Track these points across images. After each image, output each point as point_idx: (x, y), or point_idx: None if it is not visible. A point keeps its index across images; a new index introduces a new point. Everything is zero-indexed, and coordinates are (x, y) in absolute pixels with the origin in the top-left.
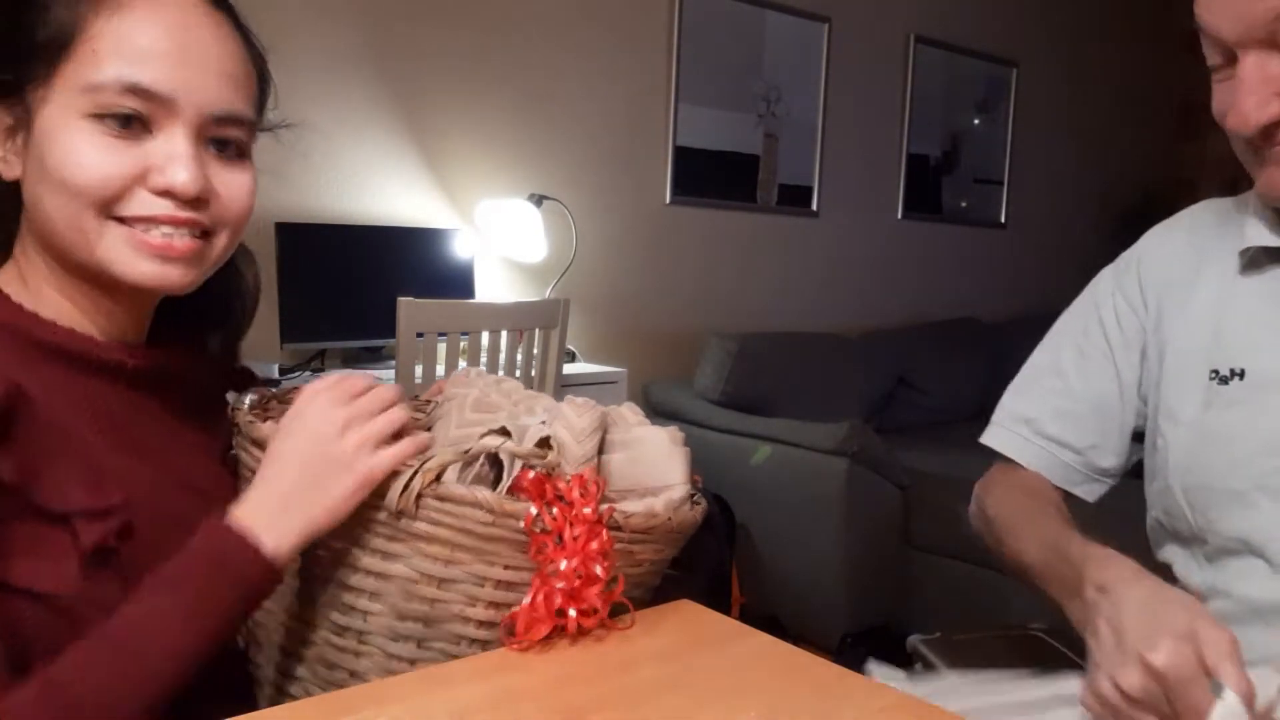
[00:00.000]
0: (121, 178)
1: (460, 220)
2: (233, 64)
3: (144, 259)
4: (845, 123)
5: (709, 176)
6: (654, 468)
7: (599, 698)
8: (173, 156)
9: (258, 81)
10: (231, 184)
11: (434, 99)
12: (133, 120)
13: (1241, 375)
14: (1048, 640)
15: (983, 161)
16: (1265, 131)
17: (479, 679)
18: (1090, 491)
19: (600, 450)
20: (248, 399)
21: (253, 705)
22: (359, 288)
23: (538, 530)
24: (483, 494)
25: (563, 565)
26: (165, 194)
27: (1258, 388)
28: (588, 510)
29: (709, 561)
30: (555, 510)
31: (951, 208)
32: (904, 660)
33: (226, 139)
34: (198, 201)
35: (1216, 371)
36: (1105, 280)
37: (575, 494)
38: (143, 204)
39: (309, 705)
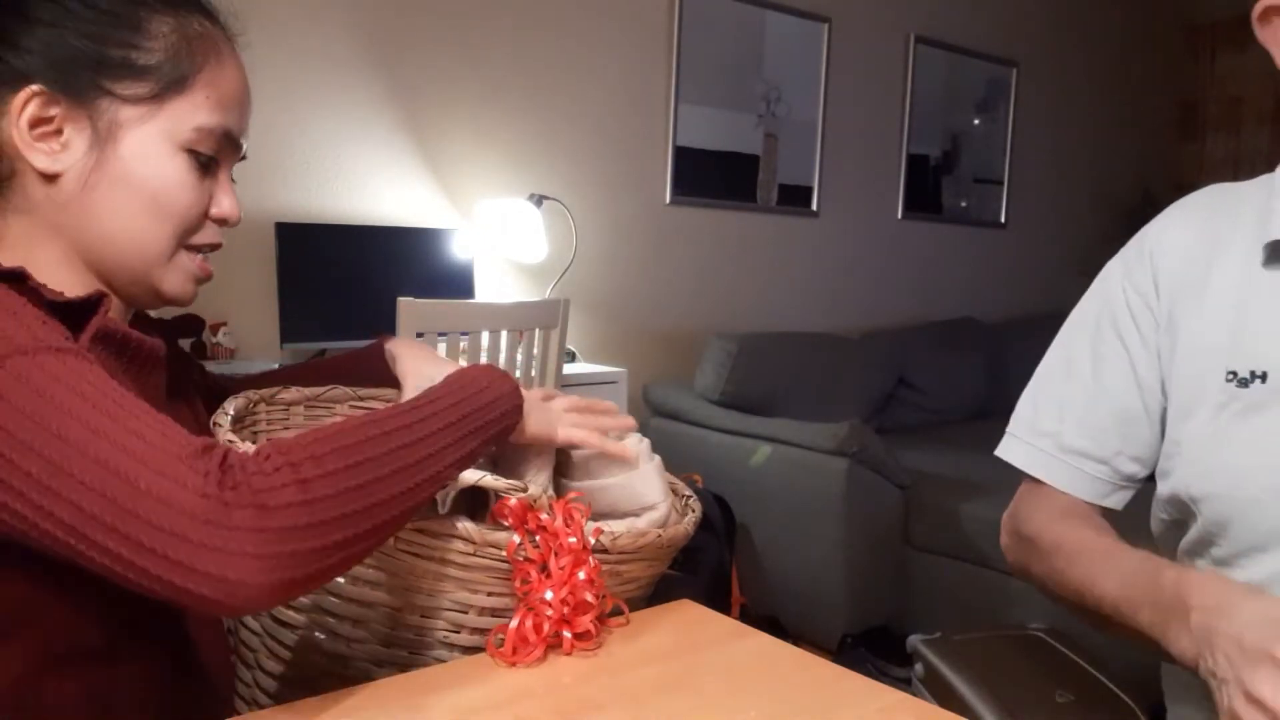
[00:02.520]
0: (202, 208)
1: (460, 220)
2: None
3: (192, 282)
4: (845, 123)
5: (709, 176)
6: (629, 491)
7: (599, 698)
8: (225, 189)
9: None
10: None
11: (434, 99)
12: (212, 159)
13: (1264, 378)
14: (1047, 640)
15: (983, 161)
16: None
17: (479, 679)
18: (1119, 500)
19: (570, 476)
20: (230, 411)
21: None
22: (359, 288)
23: (520, 559)
24: (463, 525)
25: (548, 595)
26: (221, 221)
27: None
28: (573, 540)
29: (709, 561)
30: (538, 539)
31: (951, 208)
32: (904, 660)
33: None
34: None
35: (1235, 373)
36: (1114, 274)
37: (558, 522)
38: (209, 233)
39: (308, 705)
